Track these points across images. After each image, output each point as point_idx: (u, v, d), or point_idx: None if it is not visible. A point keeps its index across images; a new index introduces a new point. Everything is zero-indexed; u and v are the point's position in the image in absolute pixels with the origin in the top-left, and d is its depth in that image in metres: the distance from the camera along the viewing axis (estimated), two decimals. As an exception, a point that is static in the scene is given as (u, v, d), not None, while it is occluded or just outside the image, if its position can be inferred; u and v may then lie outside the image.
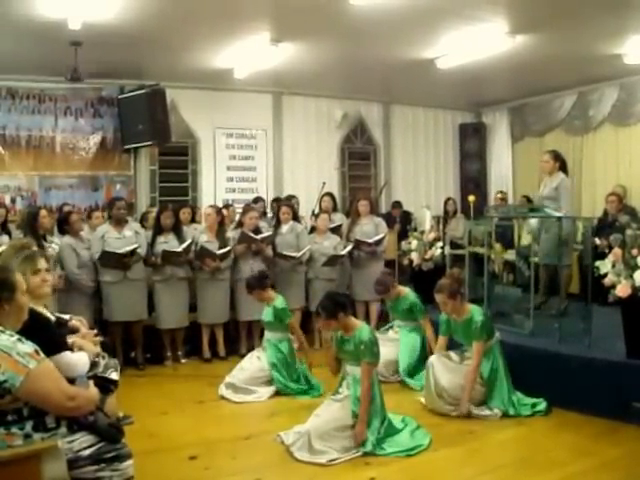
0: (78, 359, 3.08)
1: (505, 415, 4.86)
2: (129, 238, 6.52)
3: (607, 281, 4.74)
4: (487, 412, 4.89)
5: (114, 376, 3.12)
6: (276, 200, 8.55)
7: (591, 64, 8.10)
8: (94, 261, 6.43)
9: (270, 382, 5.65)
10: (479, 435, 4.56)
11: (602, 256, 5.01)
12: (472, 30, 6.71)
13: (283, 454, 4.20)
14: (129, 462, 2.73)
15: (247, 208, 7.44)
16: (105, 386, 2.94)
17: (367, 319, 7.21)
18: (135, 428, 4.07)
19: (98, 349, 3.47)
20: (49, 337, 2.80)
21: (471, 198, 7.37)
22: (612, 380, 4.71)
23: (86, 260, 6.38)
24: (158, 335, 6.79)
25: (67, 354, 3.04)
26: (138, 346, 6.70)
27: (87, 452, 2.63)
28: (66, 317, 4.10)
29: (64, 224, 6.42)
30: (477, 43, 7.06)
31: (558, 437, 4.46)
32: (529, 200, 9.12)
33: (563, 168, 6.70)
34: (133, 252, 6.41)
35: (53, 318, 3.37)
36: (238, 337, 7.13)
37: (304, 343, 5.92)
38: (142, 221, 7.45)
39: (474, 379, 4.92)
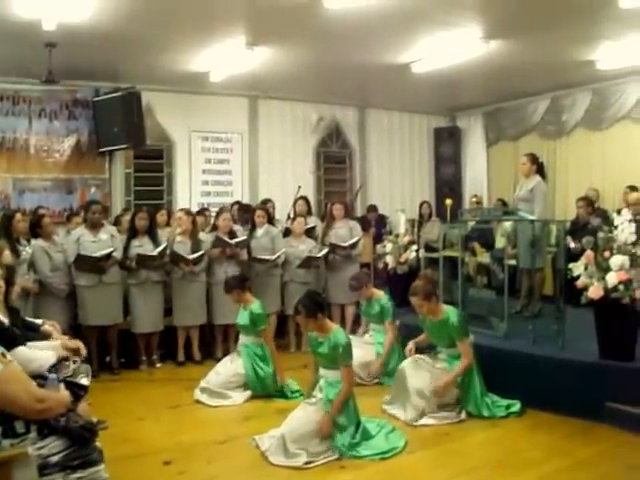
0: (35, 354, 3.05)
1: (479, 416, 4.89)
2: (105, 241, 6.46)
3: (580, 283, 4.80)
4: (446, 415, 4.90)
5: (84, 382, 3.09)
6: (244, 208, 8.34)
7: (564, 70, 8.21)
8: (69, 264, 6.34)
9: (245, 386, 5.62)
10: (454, 437, 4.59)
11: (575, 258, 5.07)
12: (447, 35, 6.77)
13: (259, 458, 4.17)
14: (95, 468, 2.68)
15: (221, 210, 7.40)
16: (75, 392, 2.90)
17: (342, 322, 7.22)
18: (109, 433, 4.05)
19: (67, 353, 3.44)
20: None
21: (448, 201, 7.40)
22: (585, 381, 4.78)
23: (59, 263, 6.29)
24: (133, 339, 6.73)
25: (21, 349, 3.01)
26: (113, 350, 6.62)
27: (55, 458, 2.59)
28: (39, 322, 4.07)
29: (36, 227, 6.30)
30: (452, 48, 7.11)
31: (533, 437, 4.50)
32: (504, 203, 9.22)
33: (540, 171, 6.81)
34: (109, 256, 6.35)
35: (6, 320, 3.32)
36: (214, 341, 7.09)
37: (274, 352, 5.84)
38: (115, 224, 7.36)
39: (459, 375, 4.94)
